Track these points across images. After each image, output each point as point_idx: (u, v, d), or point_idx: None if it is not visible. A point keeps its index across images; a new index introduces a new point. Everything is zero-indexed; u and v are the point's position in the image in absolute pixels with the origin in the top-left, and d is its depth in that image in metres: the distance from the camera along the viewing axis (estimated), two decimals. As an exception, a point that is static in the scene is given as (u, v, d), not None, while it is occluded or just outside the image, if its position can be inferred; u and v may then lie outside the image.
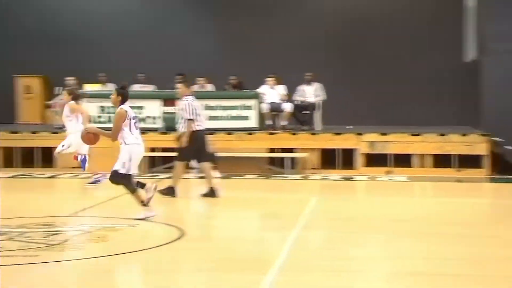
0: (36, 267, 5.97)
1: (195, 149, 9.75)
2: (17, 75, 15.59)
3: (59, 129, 13.59)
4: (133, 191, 7.99)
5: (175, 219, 8.25)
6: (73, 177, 12.40)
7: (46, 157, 13.16)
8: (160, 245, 6.70)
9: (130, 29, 16.44)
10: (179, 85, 10.14)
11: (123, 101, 8.07)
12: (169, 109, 13.29)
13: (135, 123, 8.06)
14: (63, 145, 10.79)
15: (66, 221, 7.94)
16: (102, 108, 13.70)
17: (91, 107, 13.68)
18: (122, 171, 7.88)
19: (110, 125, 13.41)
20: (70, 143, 10.73)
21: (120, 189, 8.10)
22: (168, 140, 11.89)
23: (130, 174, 7.93)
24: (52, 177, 12.40)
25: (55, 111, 14.30)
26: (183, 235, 7.11)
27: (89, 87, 14.61)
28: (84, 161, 10.67)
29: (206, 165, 9.98)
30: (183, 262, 6.25)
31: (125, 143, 7.96)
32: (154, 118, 13.53)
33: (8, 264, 5.95)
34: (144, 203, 7.97)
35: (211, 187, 9.83)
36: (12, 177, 12.12)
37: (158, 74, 14.68)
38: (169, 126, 12.77)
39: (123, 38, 16.34)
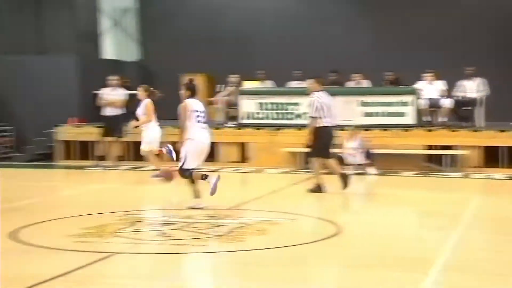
0: (204, 256, 6.35)
1: (322, 145, 9.72)
2: (182, 74, 16.49)
3: (220, 125, 14.24)
4: (190, 183, 8.44)
5: (331, 215, 8.35)
6: (234, 171, 12.93)
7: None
8: (318, 240, 6.80)
9: (289, 27, 16.77)
10: (309, 81, 10.00)
11: (191, 96, 8.68)
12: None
13: (197, 116, 8.33)
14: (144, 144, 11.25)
15: (229, 213, 8.30)
16: (260, 104, 14.15)
17: (249, 104, 14.26)
18: (184, 166, 8.33)
19: (268, 121, 14.14)
20: (149, 140, 11.20)
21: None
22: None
23: (189, 169, 8.33)
24: (213, 171, 12.99)
25: (217, 108, 14.98)
26: (340, 231, 7.17)
27: (248, 84, 15.13)
28: (170, 152, 10.75)
29: (331, 161, 9.95)
30: (341, 258, 6.30)
31: (187, 137, 8.39)
32: (310, 114, 13.69)
33: (179, 252, 6.38)
34: (197, 197, 8.43)
35: (342, 172, 9.84)
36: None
37: (314, 71, 14.79)
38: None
39: (282, 35, 16.71)
